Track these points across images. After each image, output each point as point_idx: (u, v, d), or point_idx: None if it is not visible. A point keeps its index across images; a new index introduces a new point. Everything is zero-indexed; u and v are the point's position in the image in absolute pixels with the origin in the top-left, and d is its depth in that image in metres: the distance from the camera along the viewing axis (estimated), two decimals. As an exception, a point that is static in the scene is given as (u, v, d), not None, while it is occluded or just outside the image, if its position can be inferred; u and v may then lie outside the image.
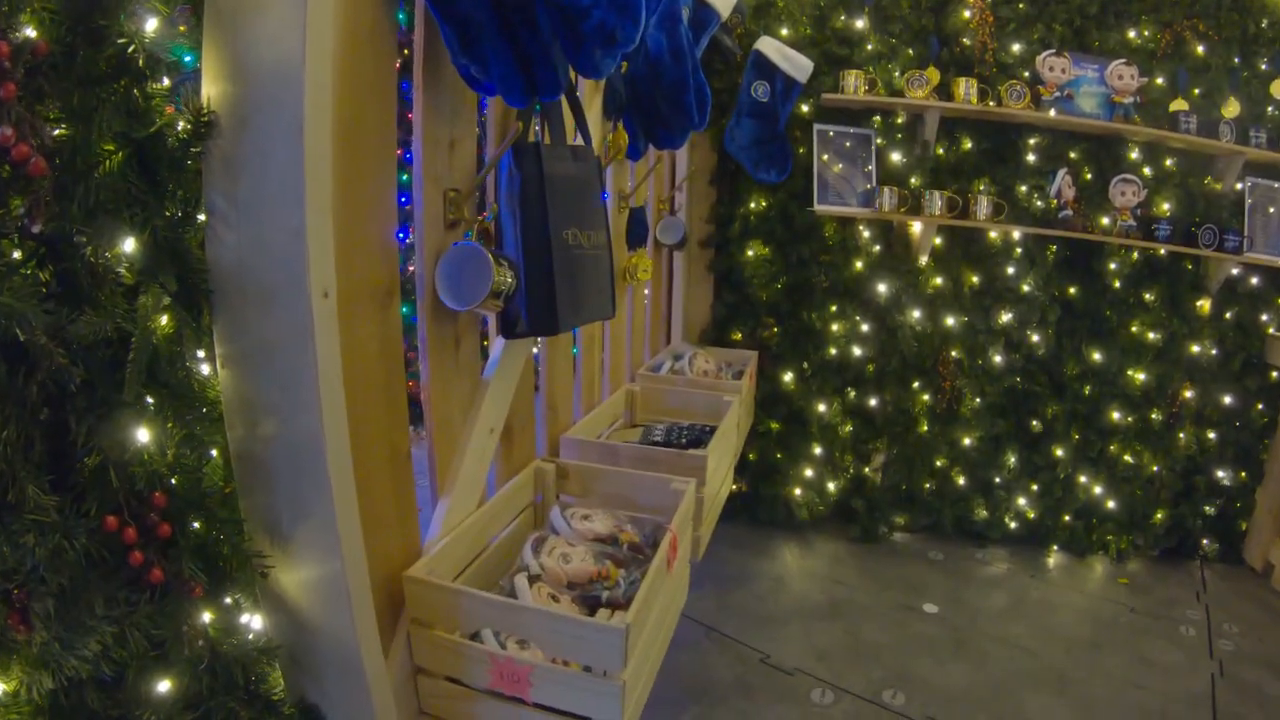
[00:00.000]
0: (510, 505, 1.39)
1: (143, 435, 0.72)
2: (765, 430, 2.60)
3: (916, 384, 2.57)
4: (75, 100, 0.67)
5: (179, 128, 0.77)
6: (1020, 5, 2.45)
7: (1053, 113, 2.36)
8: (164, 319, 0.77)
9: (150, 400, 0.76)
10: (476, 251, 1.09)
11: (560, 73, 1.09)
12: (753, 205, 2.53)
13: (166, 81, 0.74)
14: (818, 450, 2.58)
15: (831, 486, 2.62)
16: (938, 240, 2.50)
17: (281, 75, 0.73)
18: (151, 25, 0.71)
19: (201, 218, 0.80)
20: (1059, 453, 2.57)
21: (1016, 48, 2.43)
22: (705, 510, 1.64)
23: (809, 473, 2.59)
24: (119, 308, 0.71)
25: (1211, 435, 2.58)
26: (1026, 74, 2.42)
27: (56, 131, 0.67)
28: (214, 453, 0.86)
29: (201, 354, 0.83)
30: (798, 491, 2.59)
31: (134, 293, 0.74)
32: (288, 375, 0.79)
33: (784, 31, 2.47)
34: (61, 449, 0.70)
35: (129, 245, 0.73)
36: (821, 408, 2.53)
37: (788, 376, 2.57)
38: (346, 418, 0.83)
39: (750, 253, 2.55)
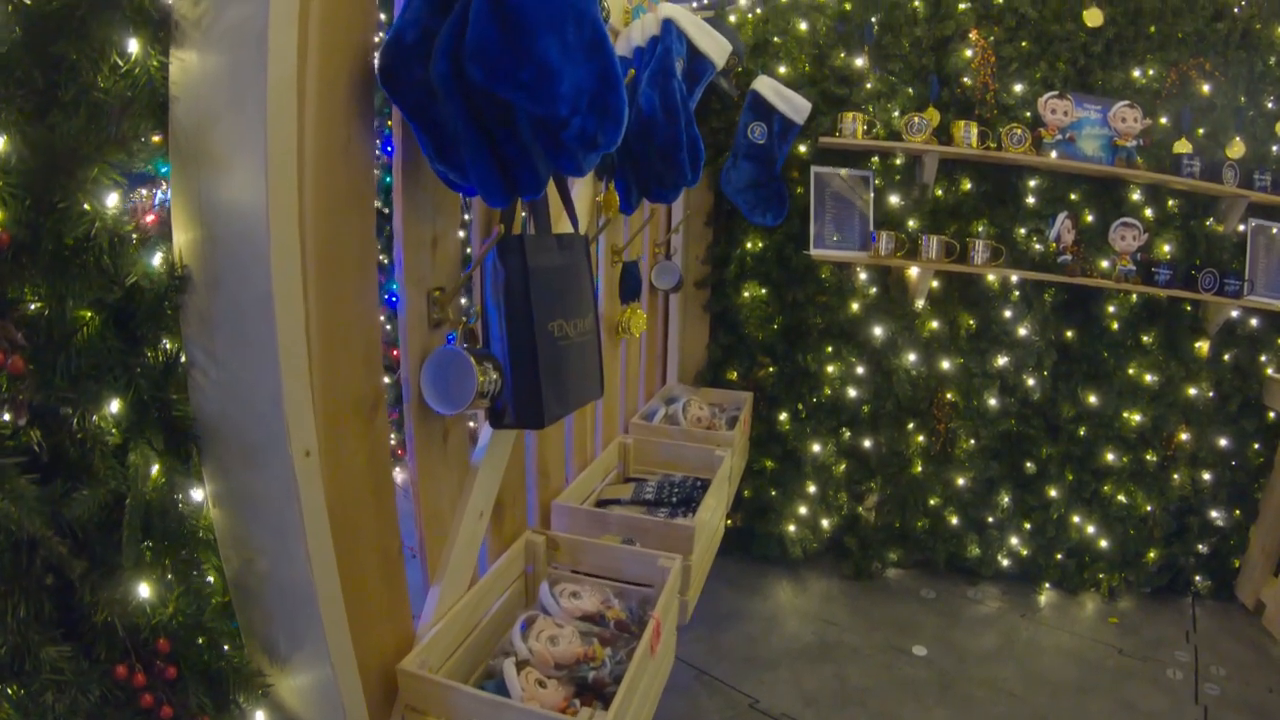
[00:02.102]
0: (501, 580, 1.42)
1: (143, 591, 0.76)
2: (760, 468, 2.62)
3: (911, 425, 2.58)
4: (44, 280, 0.68)
5: (155, 265, 0.78)
6: (1023, 44, 2.42)
7: (1054, 155, 2.34)
8: (154, 468, 0.80)
9: (149, 544, 0.79)
10: (458, 356, 1.11)
11: (541, 172, 1.08)
12: (749, 246, 2.53)
13: (135, 239, 0.75)
14: (812, 489, 2.60)
15: (825, 524, 2.65)
16: (935, 283, 2.49)
17: (248, 242, 0.74)
18: (112, 200, 0.72)
19: (184, 358, 0.83)
20: (1053, 493, 2.58)
21: (1018, 88, 2.40)
22: (694, 572, 1.67)
23: (803, 510, 2.61)
24: (110, 470, 0.74)
25: (1206, 476, 2.57)
26: (1028, 115, 2.40)
27: (30, 309, 0.68)
28: (211, 579, 0.90)
29: (195, 490, 0.86)
30: (792, 528, 2.61)
31: (123, 449, 0.77)
32: (275, 524, 0.81)
33: (782, 70, 2.45)
34: (69, 602, 0.74)
35: (114, 406, 0.75)
36: (816, 448, 2.55)
37: (783, 416, 2.58)
38: (335, 561, 0.85)
39: (746, 294, 2.55)
